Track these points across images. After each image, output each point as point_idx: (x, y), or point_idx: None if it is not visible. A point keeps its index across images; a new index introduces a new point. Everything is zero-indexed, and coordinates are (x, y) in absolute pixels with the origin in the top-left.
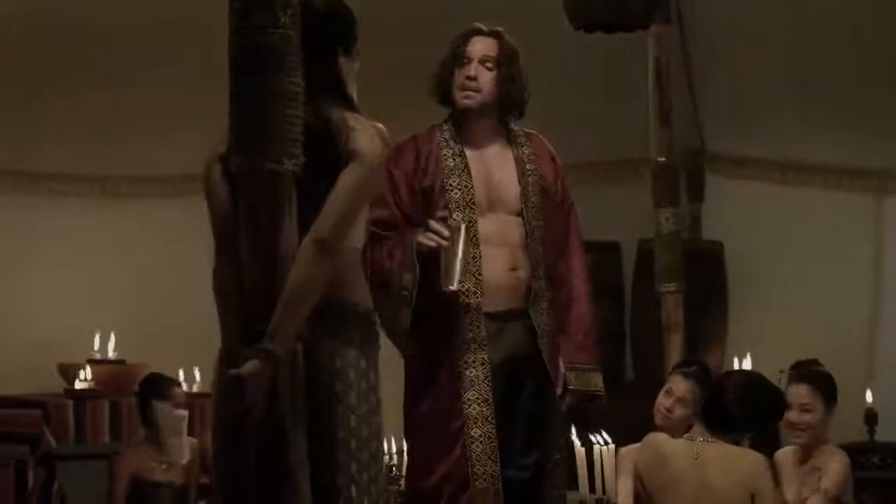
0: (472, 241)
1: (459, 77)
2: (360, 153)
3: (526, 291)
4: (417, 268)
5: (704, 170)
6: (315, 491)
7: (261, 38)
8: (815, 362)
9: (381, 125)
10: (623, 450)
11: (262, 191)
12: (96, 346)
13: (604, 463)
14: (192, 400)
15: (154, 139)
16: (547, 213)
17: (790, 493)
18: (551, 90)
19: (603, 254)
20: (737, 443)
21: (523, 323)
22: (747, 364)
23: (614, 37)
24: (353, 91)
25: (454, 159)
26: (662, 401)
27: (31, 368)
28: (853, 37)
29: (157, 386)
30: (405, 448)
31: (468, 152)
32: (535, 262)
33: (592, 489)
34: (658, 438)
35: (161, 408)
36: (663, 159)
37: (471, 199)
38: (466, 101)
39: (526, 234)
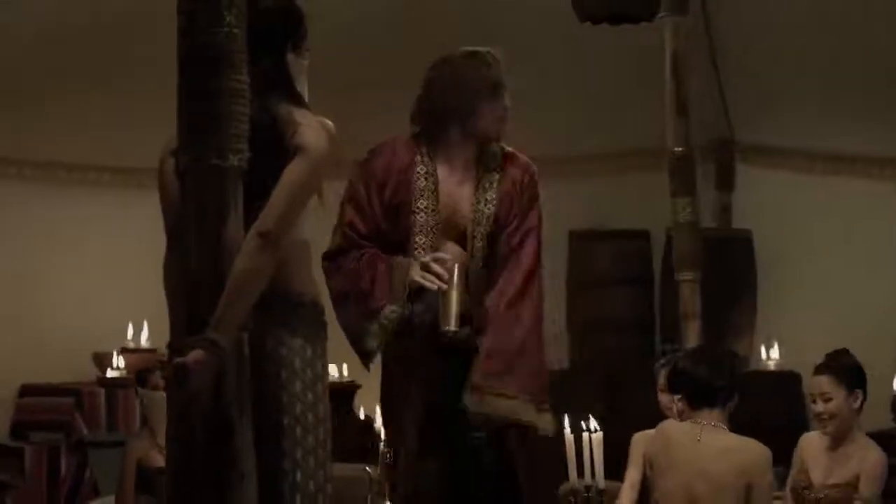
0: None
1: (497, 109)
2: (304, 148)
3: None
4: (408, 306)
5: (735, 159)
6: (261, 476)
7: (206, 37)
8: (845, 352)
9: (328, 121)
10: (636, 436)
11: (207, 185)
12: (129, 335)
13: (593, 449)
14: None
15: None
16: (496, 238)
17: (816, 475)
18: (580, 81)
19: (632, 242)
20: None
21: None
22: (775, 352)
23: (640, 27)
24: (304, 87)
25: (426, 179)
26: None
27: (68, 357)
28: (885, 26)
29: (139, 375)
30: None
31: (440, 172)
32: (475, 290)
33: (581, 475)
34: (668, 424)
35: (144, 394)
36: (680, 149)
37: (434, 224)
38: (501, 132)
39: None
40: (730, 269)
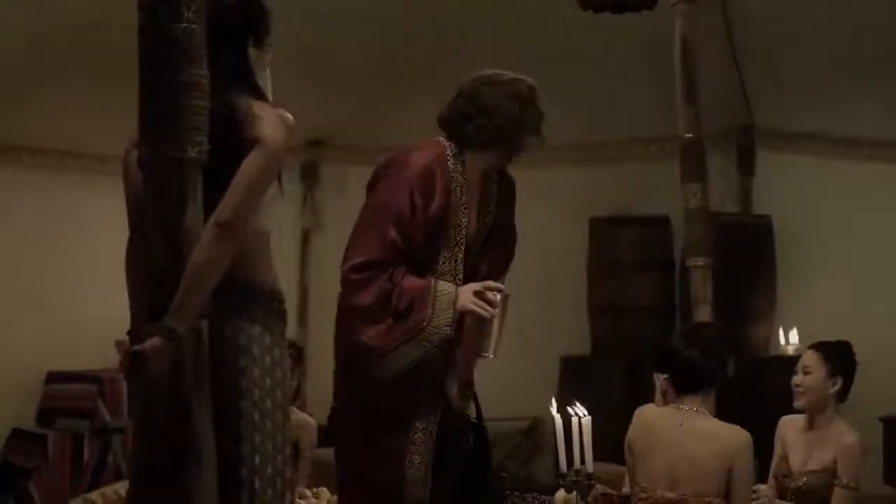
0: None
1: (536, 145)
2: (262, 140)
3: None
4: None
5: (755, 144)
6: (221, 461)
7: (165, 32)
8: (846, 344)
9: (287, 114)
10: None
11: (166, 176)
12: None
13: (582, 435)
14: None
15: None
16: (493, 247)
17: (794, 460)
18: (601, 67)
19: (652, 228)
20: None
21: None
22: (794, 337)
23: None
24: (266, 81)
25: (456, 194)
26: None
27: (94, 344)
28: None
29: None
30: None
31: (464, 188)
32: None
33: (571, 461)
34: (645, 408)
35: None
36: (690, 135)
37: (460, 239)
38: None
39: (464, 267)
40: (749, 254)
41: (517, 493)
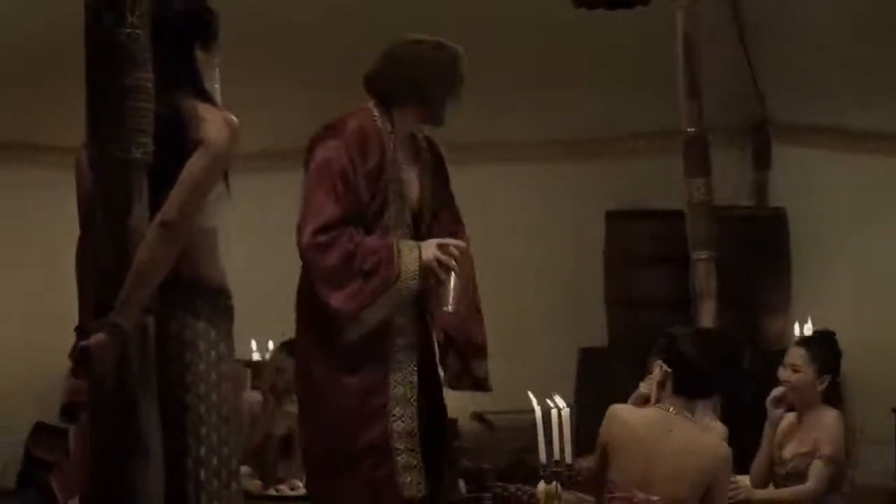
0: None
1: (455, 105)
2: (206, 141)
3: None
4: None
5: (770, 139)
6: (167, 453)
7: (110, 37)
8: (831, 336)
9: (232, 117)
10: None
11: (112, 177)
12: None
13: (562, 427)
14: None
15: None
16: (436, 210)
17: (786, 452)
18: (617, 61)
19: (667, 222)
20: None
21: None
22: (809, 330)
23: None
24: (215, 84)
25: (390, 151)
26: None
27: None
28: None
29: None
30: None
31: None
32: None
33: (550, 453)
34: (619, 407)
35: None
36: (692, 130)
37: (402, 192)
38: (414, 129)
39: (418, 229)
40: (764, 247)
41: (500, 484)
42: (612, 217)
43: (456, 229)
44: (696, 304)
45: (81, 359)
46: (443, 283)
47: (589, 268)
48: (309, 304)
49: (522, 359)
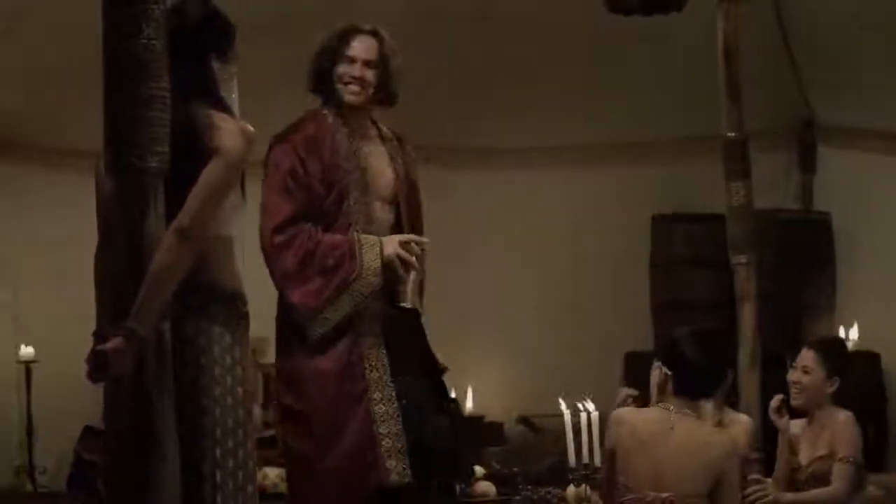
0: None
1: (342, 73)
2: (220, 150)
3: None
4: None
5: (816, 141)
6: (183, 455)
7: (125, 48)
8: (841, 341)
9: (248, 126)
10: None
11: (128, 185)
12: None
13: (591, 430)
14: None
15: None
16: (412, 201)
17: (803, 454)
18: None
19: (712, 225)
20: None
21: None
22: (854, 333)
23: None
24: (233, 93)
25: (346, 143)
26: None
27: None
28: None
29: None
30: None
31: (355, 139)
32: None
33: (579, 456)
34: (623, 412)
35: None
36: (732, 134)
37: (366, 182)
38: (353, 98)
39: (398, 219)
40: (809, 250)
41: (530, 487)
42: (658, 221)
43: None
44: (747, 307)
45: (98, 363)
46: (402, 279)
47: (634, 272)
48: (281, 304)
49: (568, 363)
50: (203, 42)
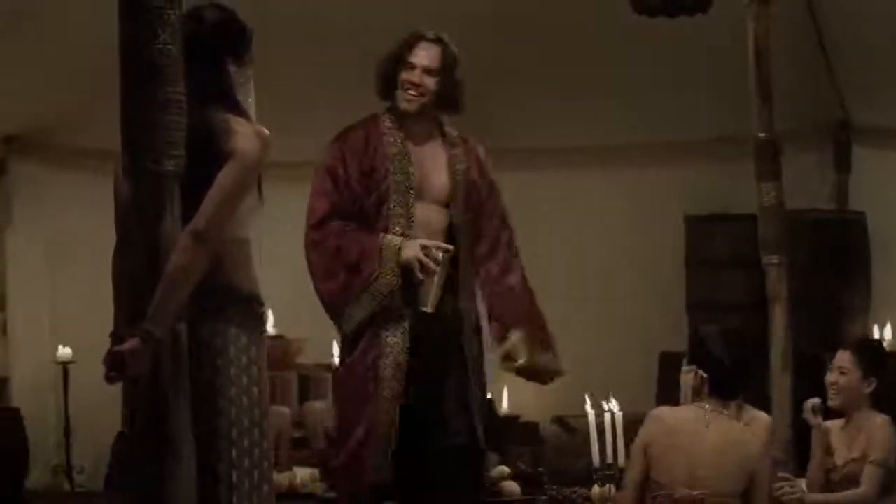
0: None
1: (404, 80)
2: (236, 152)
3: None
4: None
5: (851, 141)
6: (199, 456)
7: (141, 52)
8: (878, 342)
9: (264, 129)
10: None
11: (145, 188)
12: None
13: (615, 431)
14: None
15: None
16: (472, 204)
17: (838, 455)
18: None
19: (747, 226)
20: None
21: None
22: (888, 333)
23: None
24: (249, 96)
25: (396, 146)
26: None
27: None
28: None
29: None
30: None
31: (409, 142)
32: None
33: (603, 457)
34: (664, 410)
35: None
36: (763, 135)
37: (409, 186)
38: (407, 105)
39: (451, 223)
40: (844, 250)
41: (554, 487)
42: (693, 221)
43: (497, 233)
44: (779, 308)
45: (114, 364)
46: (422, 283)
47: (669, 272)
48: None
49: (603, 363)
50: (219, 46)
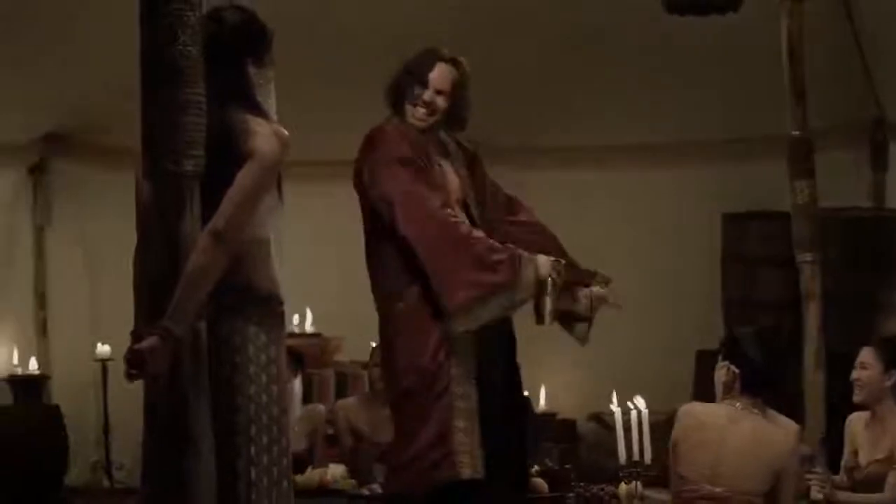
0: None
1: (416, 96)
2: (255, 153)
3: None
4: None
5: (887, 140)
6: (219, 452)
7: (162, 54)
8: None
9: (283, 129)
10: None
11: (165, 188)
12: (295, 320)
13: (641, 428)
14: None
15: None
16: (478, 202)
17: (862, 455)
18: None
19: (781, 224)
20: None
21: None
22: None
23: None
24: (269, 98)
25: (420, 143)
26: None
27: None
28: None
29: None
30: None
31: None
32: None
33: (630, 454)
34: (695, 406)
35: None
36: (797, 133)
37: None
38: (416, 122)
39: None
40: (881, 249)
41: (582, 484)
42: (729, 220)
43: (513, 207)
44: (812, 306)
45: (134, 362)
46: (543, 299)
47: (706, 270)
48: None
49: (640, 361)
50: (239, 47)
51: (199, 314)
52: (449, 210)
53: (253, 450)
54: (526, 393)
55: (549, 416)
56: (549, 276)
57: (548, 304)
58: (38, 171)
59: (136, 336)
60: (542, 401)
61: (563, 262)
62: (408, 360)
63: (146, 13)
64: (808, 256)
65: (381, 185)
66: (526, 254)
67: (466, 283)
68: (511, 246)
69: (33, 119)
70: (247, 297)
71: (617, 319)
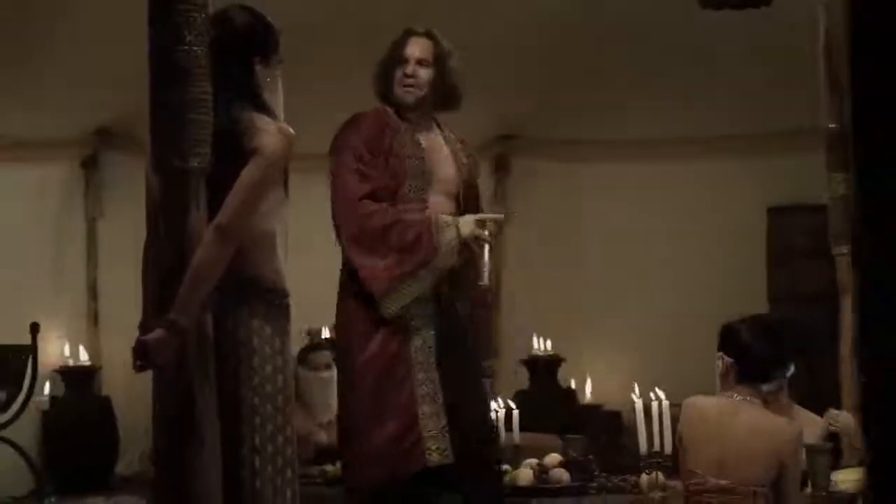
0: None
1: (399, 76)
2: (260, 149)
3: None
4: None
5: None
6: (224, 442)
7: (169, 54)
8: None
9: (288, 128)
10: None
11: (172, 185)
12: None
13: (662, 419)
14: None
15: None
16: (469, 200)
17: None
18: (778, 58)
19: (813, 217)
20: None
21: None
22: None
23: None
24: (277, 96)
25: (408, 133)
26: None
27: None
28: None
29: (300, 354)
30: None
31: (416, 133)
32: None
33: (651, 444)
34: (695, 399)
35: (300, 373)
36: (834, 126)
37: (423, 170)
38: (405, 97)
39: (457, 212)
40: None
41: (604, 475)
42: (774, 213)
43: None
44: (838, 299)
45: (140, 354)
46: (478, 258)
47: (751, 263)
48: (348, 279)
49: (685, 353)
50: (247, 47)
51: (205, 306)
52: (367, 201)
53: (257, 439)
54: (573, 384)
55: (594, 408)
56: (476, 234)
57: (486, 263)
58: (90, 165)
59: (144, 328)
60: (588, 392)
61: (501, 216)
62: (364, 348)
63: (153, 13)
64: (843, 249)
65: (330, 171)
66: (445, 217)
67: (386, 274)
68: (428, 215)
69: (85, 114)
70: (252, 289)
71: (662, 311)
